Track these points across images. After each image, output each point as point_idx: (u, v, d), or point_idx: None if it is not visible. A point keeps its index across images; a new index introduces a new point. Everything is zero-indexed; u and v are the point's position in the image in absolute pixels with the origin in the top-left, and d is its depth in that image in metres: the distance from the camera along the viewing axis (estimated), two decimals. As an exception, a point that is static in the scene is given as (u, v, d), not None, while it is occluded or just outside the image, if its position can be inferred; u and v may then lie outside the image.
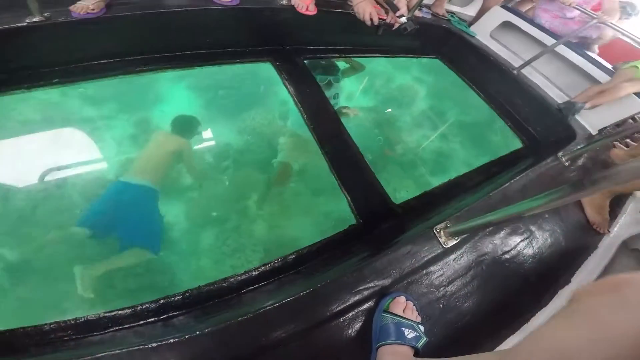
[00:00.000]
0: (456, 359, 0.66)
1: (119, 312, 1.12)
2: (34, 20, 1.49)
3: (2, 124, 1.61)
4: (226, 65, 2.11)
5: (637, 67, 2.36)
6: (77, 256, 1.36)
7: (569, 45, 2.74)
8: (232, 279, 1.30)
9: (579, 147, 2.00)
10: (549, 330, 0.33)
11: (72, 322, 1.08)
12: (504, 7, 3.05)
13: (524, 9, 3.52)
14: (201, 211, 1.65)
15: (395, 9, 1.91)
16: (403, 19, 1.91)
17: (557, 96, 2.74)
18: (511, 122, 2.75)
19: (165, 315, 1.16)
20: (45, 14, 1.51)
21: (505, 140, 2.64)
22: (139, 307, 1.14)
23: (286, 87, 2.08)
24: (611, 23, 2.38)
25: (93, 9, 1.56)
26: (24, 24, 1.47)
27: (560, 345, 0.31)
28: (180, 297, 1.21)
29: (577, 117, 2.53)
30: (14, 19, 1.47)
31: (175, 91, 2.04)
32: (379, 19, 1.97)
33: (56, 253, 1.35)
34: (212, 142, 1.98)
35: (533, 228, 1.49)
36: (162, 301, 1.18)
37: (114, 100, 1.84)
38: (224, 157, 1.92)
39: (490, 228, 1.36)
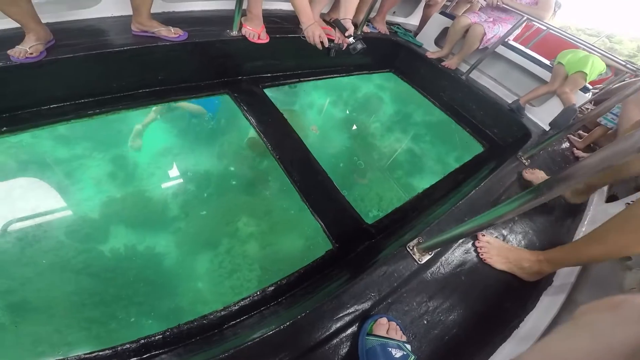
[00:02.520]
0: None
1: (100, 353, 1.09)
2: None
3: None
4: (182, 101, 2.07)
5: (561, 64, 2.51)
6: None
7: (507, 45, 2.90)
8: (212, 316, 1.27)
9: (535, 145, 2.07)
10: (555, 342, 0.37)
11: None
12: (443, 13, 3.23)
13: (460, 12, 3.74)
14: (191, 239, 1.61)
15: (343, 29, 1.94)
16: (351, 39, 1.94)
17: (506, 96, 2.89)
18: (469, 127, 2.86)
19: (147, 354, 1.13)
20: None
21: (467, 146, 2.72)
22: (119, 348, 1.11)
23: (247, 118, 2.06)
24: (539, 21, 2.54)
25: (32, 53, 1.49)
26: None
27: (565, 356, 0.35)
28: (160, 336, 1.17)
29: (529, 114, 2.66)
30: None
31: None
32: (329, 39, 2.00)
33: (51, 290, 1.32)
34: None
35: (505, 232, 1.51)
36: (142, 341, 1.15)
37: (70, 144, 1.75)
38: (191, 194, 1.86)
39: (463, 239, 1.37)
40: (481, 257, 1.34)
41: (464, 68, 2.97)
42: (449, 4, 3.72)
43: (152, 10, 1.79)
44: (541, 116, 2.64)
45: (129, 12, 1.77)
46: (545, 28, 2.73)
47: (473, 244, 1.38)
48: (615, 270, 1.38)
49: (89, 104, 1.80)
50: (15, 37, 1.51)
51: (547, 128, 2.56)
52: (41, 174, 1.64)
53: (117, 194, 1.66)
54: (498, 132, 2.76)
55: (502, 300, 1.26)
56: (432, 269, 1.23)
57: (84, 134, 1.79)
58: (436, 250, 1.25)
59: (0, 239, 1.39)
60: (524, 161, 1.98)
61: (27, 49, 1.47)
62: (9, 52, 1.46)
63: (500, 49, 2.90)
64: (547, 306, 1.28)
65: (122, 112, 1.88)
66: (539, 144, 2.05)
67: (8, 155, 1.61)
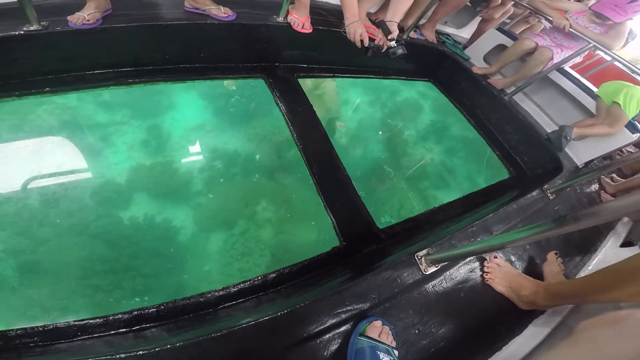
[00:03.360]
0: None
1: (90, 321, 1.13)
2: (31, 29, 1.50)
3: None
4: (219, 80, 2.13)
5: (600, 97, 2.39)
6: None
7: (561, 71, 2.77)
8: (209, 294, 1.30)
9: (564, 180, 2.00)
10: (558, 355, 0.39)
11: (40, 328, 1.08)
12: (500, 29, 3.11)
13: (518, 31, 3.62)
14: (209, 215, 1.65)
15: (387, 32, 1.93)
16: (393, 43, 1.92)
17: (547, 125, 2.77)
18: (499, 150, 2.78)
19: (138, 327, 1.16)
20: (43, 23, 1.53)
21: (493, 170, 2.65)
22: (110, 317, 1.15)
23: (277, 104, 2.10)
24: (606, 50, 2.40)
25: (88, 20, 1.58)
26: (21, 32, 1.48)
27: None
28: (154, 309, 1.21)
29: (565, 148, 2.56)
30: (11, 27, 1.48)
31: (173, 101, 2.02)
32: (370, 38, 1.99)
33: (65, 253, 1.35)
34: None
35: (514, 258, 1.49)
36: (135, 312, 1.18)
37: (110, 110, 1.82)
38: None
39: (471, 257, 1.36)
40: (484, 276, 1.34)
41: (509, 89, 2.88)
42: (508, 21, 3.62)
43: (206, -12, 1.85)
44: (578, 151, 2.53)
45: (185, -12, 1.84)
46: (610, 58, 2.59)
47: (480, 264, 1.37)
48: (607, 308, 1.34)
49: (130, 72, 1.89)
50: (75, 4, 1.62)
51: (580, 164, 2.46)
52: (75, 135, 1.70)
53: (146, 161, 1.70)
54: (528, 160, 2.67)
55: (494, 322, 1.25)
56: (435, 281, 1.24)
57: (122, 101, 1.86)
58: (443, 263, 1.25)
59: (29, 196, 1.44)
60: (549, 195, 1.92)
61: (85, 16, 1.57)
62: (68, 17, 1.56)
63: (553, 74, 2.77)
64: (532, 334, 1.27)
65: (160, 84, 1.96)
66: (568, 180, 1.98)
67: (45, 113, 1.68)
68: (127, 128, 1.78)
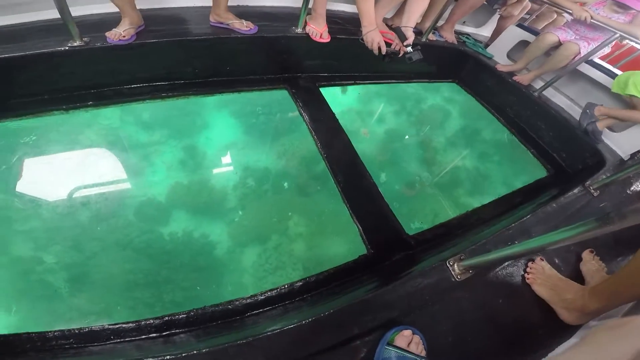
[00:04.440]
0: None
1: (123, 325, 1.16)
2: (74, 44, 1.62)
3: (34, 143, 1.68)
4: (245, 93, 2.19)
5: (617, 92, 2.32)
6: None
7: (590, 63, 2.65)
8: (237, 302, 1.31)
9: (608, 175, 1.87)
10: (567, 356, 0.45)
11: (76, 331, 1.12)
12: (520, 26, 3.04)
13: (540, 26, 3.49)
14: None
15: (403, 37, 1.94)
16: (409, 49, 1.93)
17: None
18: (534, 148, 2.65)
19: (168, 332, 1.18)
20: (85, 39, 1.64)
21: (528, 169, 2.52)
22: (142, 322, 1.18)
23: (301, 114, 2.12)
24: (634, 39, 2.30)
25: (124, 36, 1.68)
26: (65, 48, 1.60)
27: None
28: (184, 315, 1.23)
29: (607, 140, 2.40)
30: (57, 43, 1.61)
31: (203, 116, 2.09)
32: (387, 42, 2.00)
33: (111, 266, 1.42)
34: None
35: (557, 260, 1.38)
36: (166, 318, 1.21)
37: (148, 128, 1.92)
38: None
39: (509, 262, 1.28)
40: (526, 275, 1.26)
41: (537, 84, 2.76)
42: (527, 16, 3.51)
43: (229, 3, 1.94)
44: (621, 143, 2.37)
45: (210, 3, 1.93)
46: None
47: (519, 268, 1.29)
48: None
49: (164, 87, 1.99)
50: (112, 20, 1.72)
51: (625, 156, 2.28)
52: (119, 152, 1.78)
53: (184, 179, 1.75)
54: (566, 156, 2.53)
55: (537, 328, 1.16)
56: (470, 287, 1.17)
57: (159, 117, 1.94)
58: (477, 269, 1.19)
59: (81, 213, 1.52)
60: (592, 192, 1.78)
61: (121, 32, 1.67)
62: (106, 33, 1.67)
63: (583, 67, 2.65)
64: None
65: (191, 98, 2.04)
66: (613, 174, 1.84)
67: (91, 128, 1.78)
68: (165, 147, 1.85)
